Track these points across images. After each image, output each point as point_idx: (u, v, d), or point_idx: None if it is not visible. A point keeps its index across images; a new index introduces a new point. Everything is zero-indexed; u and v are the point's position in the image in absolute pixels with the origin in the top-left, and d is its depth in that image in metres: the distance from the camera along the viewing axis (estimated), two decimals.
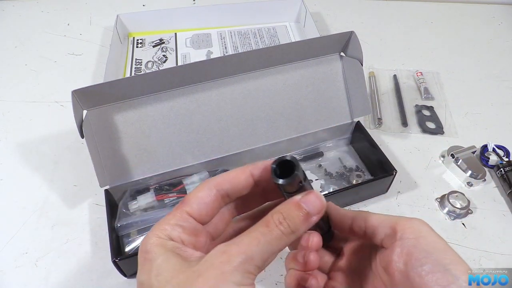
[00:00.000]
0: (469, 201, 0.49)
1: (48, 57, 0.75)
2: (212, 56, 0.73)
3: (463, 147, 0.56)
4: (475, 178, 0.52)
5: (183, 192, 0.47)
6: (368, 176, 0.53)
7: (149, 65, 0.71)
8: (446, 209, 0.49)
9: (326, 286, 0.29)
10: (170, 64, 0.71)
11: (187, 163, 0.49)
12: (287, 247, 0.27)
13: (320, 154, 0.55)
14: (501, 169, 0.53)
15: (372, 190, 0.50)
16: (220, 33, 0.78)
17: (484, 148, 0.56)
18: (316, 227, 0.27)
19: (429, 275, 0.22)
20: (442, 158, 0.57)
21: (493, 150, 0.56)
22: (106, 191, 0.46)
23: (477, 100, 0.66)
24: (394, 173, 0.47)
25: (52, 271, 0.44)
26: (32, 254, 0.46)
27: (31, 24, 0.83)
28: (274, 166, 0.24)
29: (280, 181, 0.23)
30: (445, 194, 0.50)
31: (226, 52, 0.74)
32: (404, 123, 0.61)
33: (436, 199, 0.51)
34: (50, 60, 0.74)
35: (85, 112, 0.44)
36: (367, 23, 0.84)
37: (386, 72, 0.71)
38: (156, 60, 0.72)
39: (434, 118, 0.62)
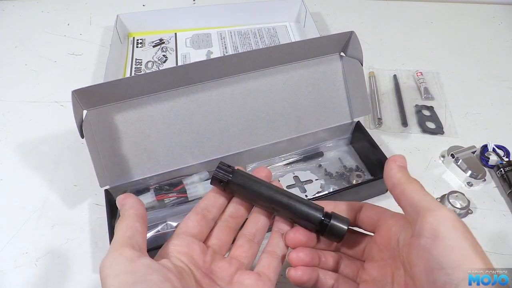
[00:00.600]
0: (469, 201, 0.49)
1: (48, 57, 0.75)
2: (212, 56, 0.73)
3: (463, 147, 0.56)
4: (475, 178, 0.52)
5: (183, 192, 0.47)
6: (368, 176, 0.53)
7: (149, 65, 0.71)
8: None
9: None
10: (170, 64, 0.71)
11: (187, 163, 0.49)
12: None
13: (320, 154, 0.55)
14: (501, 169, 0.53)
15: (372, 190, 0.50)
16: (220, 33, 0.78)
17: (484, 148, 0.56)
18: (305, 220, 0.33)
19: None
20: (442, 158, 0.57)
21: (493, 150, 0.56)
22: (106, 191, 0.46)
23: (477, 100, 0.66)
24: None
25: (52, 271, 0.44)
26: (32, 254, 0.46)
27: (31, 24, 0.83)
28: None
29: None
30: (445, 194, 0.50)
31: (226, 52, 0.74)
32: (404, 123, 0.61)
33: (436, 199, 0.51)
34: (50, 60, 0.74)
35: (85, 112, 0.44)
36: (367, 23, 0.84)
37: (386, 72, 0.71)
38: (156, 60, 0.72)
39: (434, 118, 0.62)
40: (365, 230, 0.34)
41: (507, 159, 0.55)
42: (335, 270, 0.33)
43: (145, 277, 0.24)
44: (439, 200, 0.51)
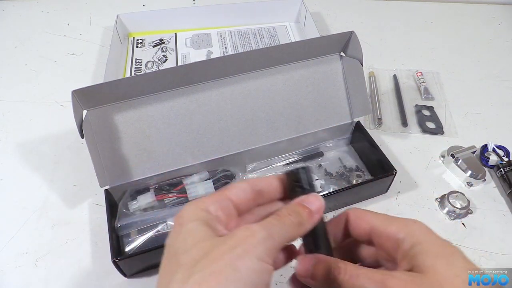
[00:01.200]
0: (469, 201, 0.49)
1: (48, 57, 0.75)
2: (212, 56, 0.73)
3: (463, 147, 0.56)
4: (475, 178, 0.52)
5: (183, 192, 0.47)
6: (368, 176, 0.53)
7: (149, 65, 0.71)
8: (446, 209, 0.49)
9: None
10: (170, 64, 0.71)
11: (187, 163, 0.49)
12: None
13: (320, 154, 0.55)
14: (501, 169, 0.53)
15: (372, 190, 0.50)
16: (220, 33, 0.78)
17: (484, 148, 0.56)
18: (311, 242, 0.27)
19: None
20: (442, 158, 0.57)
21: (493, 150, 0.56)
22: (106, 191, 0.46)
23: (477, 100, 0.66)
24: (394, 173, 0.47)
25: (52, 271, 0.44)
26: (32, 254, 0.46)
27: (31, 24, 0.83)
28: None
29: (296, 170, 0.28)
30: (445, 194, 0.50)
31: (226, 52, 0.74)
32: (404, 123, 0.61)
33: (436, 199, 0.51)
34: (50, 60, 0.74)
35: (85, 112, 0.44)
36: (367, 23, 0.84)
37: (386, 72, 0.71)
38: (156, 60, 0.72)
39: (434, 118, 0.62)
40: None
41: (507, 159, 0.55)
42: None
43: None
44: (439, 200, 0.51)
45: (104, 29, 0.81)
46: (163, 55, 0.73)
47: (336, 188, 0.51)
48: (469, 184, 0.53)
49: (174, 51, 0.74)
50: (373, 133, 0.58)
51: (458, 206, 0.48)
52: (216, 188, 0.48)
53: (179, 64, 0.71)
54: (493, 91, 0.68)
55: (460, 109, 0.64)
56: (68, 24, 0.83)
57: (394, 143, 0.59)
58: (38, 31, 0.81)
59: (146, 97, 0.46)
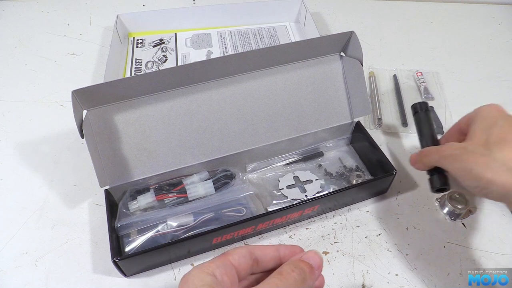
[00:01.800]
0: (469, 201, 0.49)
1: (48, 57, 0.75)
2: (212, 56, 0.73)
3: None
4: None
5: (183, 192, 0.47)
6: (368, 176, 0.53)
7: (149, 65, 0.71)
8: (446, 209, 0.49)
9: None
10: (170, 64, 0.71)
11: (187, 163, 0.49)
12: None
13: (320, 154, 0.55)
14: None
15: (372, 190, 0.51)
16: (220, 33, 0.78)
17: None
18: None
19: None
20: None
21: None
22: (106, 191, 0.46)
23: (477, 100, 0.66)
24: (394, 173, 0.47)
25: (52, 271, 0.44)
26: (32, 254, 0.46)
27: (31, 24, 0.83)
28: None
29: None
30: (445, 194, 0.50)
31: (226, 52, 0.74)
32: (404, 123, 0.61)
33: (437, 199, 0.51)
34: (50, 60, 0.74)
35: (85, 112, 0.44)
36: (367, 23, 0.84)
37: (386, 72, 0.71)
38: (156, 60, 0.72)
39: (434, 118, 0.62)
40: None
41: None
42: None
43: None
44: (439, 200, 0.51)
45: (104, 29, 0.81)
46: (163, 55, 0.73)
47: (336, 188, 0.51)
48: None
49: (174, 51, 0.74)
50: (373, 133, 0.58)
51: (458, 206, 0.48)
52: (216, 189, 0.48)
53: (179, 64, 0.71)
54: (493, 91, 0.68)
55: (460, 109, 0.64)
56: (68, 24, 0.83)
57: (394, 143, 0.59)
58: (38, 31, 0.81)
59: (146, 97, 0.46)
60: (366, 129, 0.54)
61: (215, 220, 0.46)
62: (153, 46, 0.75)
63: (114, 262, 0.39)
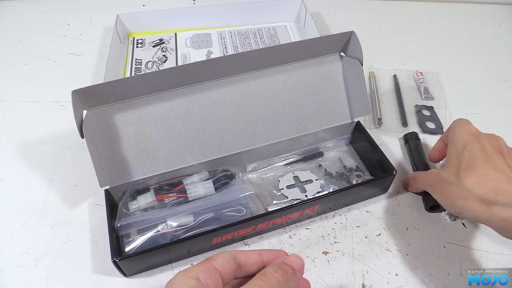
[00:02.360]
0: None
1: (48, 57, 0.75)
2: (212, 56, 0.73)
3: None
4: None
5: (183, 192, 0.47)
6: (368, 176, 0.53)
7: (149, 65, 0.71)
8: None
9: None
10: (170, 64, 0.71)
11: (187, 163, 0.49)
12: None
13: (320, 154, 0.55)
14: None
15: (372, 190, 0.50)
16: (220, 33, 0.78)
17: None
18: None
19: None
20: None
21: None
22: (106, 191, 0.46)
23: (477, 100, 0.66)
24: (394, 173, 0.47)
25: (52, 271, 0.44)
26: (32, 254, 0.46)
27: (31, 24, 0.83)
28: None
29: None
30: None
31: (226, 52, 0.74)
32: (404, 123, 0.61)
33: None
34: (50, 60, 0.74)
35: (85, 112, 0.44)
36: (367, 23, 0.84)
37: (386, 72, 0.71)
38: (156, 60, 0.72)
39: (434, 118, 0.62)
40: None
41: None
42: None
43: None
44: None
45: (104, 29, 0.81)
46: (163, 55, 0.73)
47: (336, 188, 0.51)
48: None
49: (174, 51, 0.74)
50: (373, 133, 0.58)
51: None
52: (216, 188, 0.48)
53: (179, 64, 0.71)
54: (493, 91, 0.68)
55: (460, 109, 0.64)
56: (68, 24, 0.83)
57: (394, 143, 0.59)
58: (38, 31, 0.81)
59: (146, 97, 0.46)
60: (366, 129, 0.54)
61: (215, 220, 0.46)
62: (153, 46, 0.75)
63: (114, 262, 0.39)
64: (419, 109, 0.64)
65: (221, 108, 0.49)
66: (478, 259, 0.45)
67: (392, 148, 0.58)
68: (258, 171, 0.53)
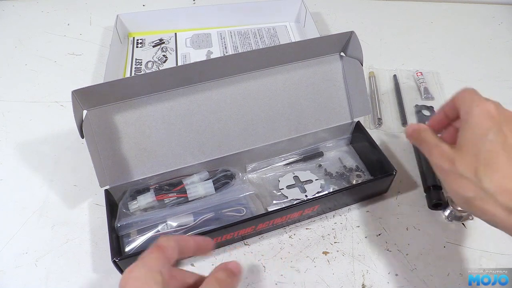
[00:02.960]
0: None
1: (48, 57, 0.75)
2: (212, 56, 0.73)
3: None
4: None
5: (183, 192, 0.47)
6: (368, 176, 0.53)
7: (149, 65, 0.71)
8: (448, 212, 0.49)
9: None
10: (170, 64, 0.71)
11: (187, 163, 0.49)
12: None
13: (320, 154, 0.55)
14: None
15: (372, 190, 0.50)
16: (220, 33, 0.78)
17: None
18: None
19: None
20: None
21: None
22: (106, 191, 0.46)
23: None
24: (394, 173, 0.47)
25: (52, 271, 0.44)
26: (32, 254, 0.46)
27: (31, 24, 0.83)
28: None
29: None
30: (447, 196, 0.50)
31: (226, 52, 0.74)
32: (404, 123, 0.61)
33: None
34: (50, 60, 0.74)
35: (85, 112, 0.44)
36: (367, 23, 0.84)
37: (386, 72, 0.71)
38: (156, 60, 0.72)
39: None
40: None
41: None
42: None
43: None
44: None
45: (104, 29, 0.81)
46: (163, 55, 0.73)
47: (336, 188, 0.51)
48: None
49: (174, 51, 0.74)
50: (373, 133, 0.58)
51: (459, 208, 0.48)
52: (216, 189, 0.48)
53: (179, 64, 0.71)
54: (493, 91, 0.68)
55: None
56: (68, 24, 0.83)
57: (394, 143, 0.59)
58: (38, 31, 0.81)
59: (146, 97, 0.46)
60: (366, 129, 0.54)
61: (215, 220, 0.46)
62: (153, 46, 0.75)
63: (114, 262, 0.39)
64: (419, 109, 0.64)
65: (221, 108, 0.49)
66: (478, 259, 0.45)
67: (392, 148, 0.58)
68: (258, 171, 0.53)
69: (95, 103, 0.44)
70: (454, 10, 0.88)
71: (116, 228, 0.44)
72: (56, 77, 0.70)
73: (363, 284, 0.43)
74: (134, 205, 0.46)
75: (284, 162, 0.54)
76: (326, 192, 0.49)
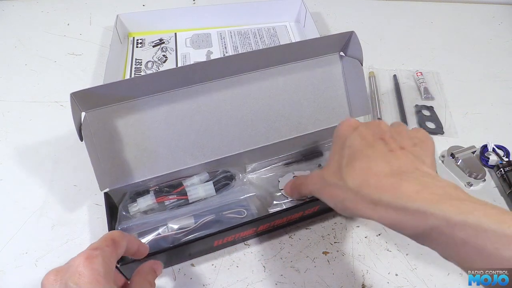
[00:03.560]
0: None
1: (48, 57, 0.75)
2: (212, 56, 0.73)
3: (463, 147, 0.56)
4: (475, 178, 0.52)
5: (184, 194, 0.47)
6: None
7: (149, 65, 0.71)
8: None
9: None
10: (170, 64, 0.71)
11: (188, 164, 0.48)
12: None
13: (320, 154, 0.55)
14: (501, 169, 0.53)
15: None
16: (220, 33, 0.78)
17: (484, 148, 0.56)
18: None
19: None
20: (442, 158, 0.57)
21: (493, 150, 0.56)
22: (106, 194, 0.45)
23: (477, 100, 0.66)
24: None
25: None
26: (32, 254, 0.46)
27: (31, 24, 0.83)
28: None
29: None
30: None
31: (226, 52, 0.74)
32: (404, 123, 0.61)
33: None
34: (50, 60, 0.74)
35: (83, 114, 0.44)
36: (367, 23, 0.84)
37: (386, 72, 0.71)
38: (156, 60, 0.72)
39: (434, 118, 0.62)
40: None
41: (507, 159, 0.55)
42: None
43: None
44: None
45: (104, 29, 0.81)
46: (163, 55, 0.73)
47: None
48: (469, 184, 0.53)
49: (174, 51, 0.74)
50: None
51: None
52: (216, 190, 0.47)
53: (179, 64, 0.71)
54: (493, 91, 0.68)
55: (460, 109, 0.64)
56: (68, 24, 0.83)
57: None
58: (38, 31, 0.81)
59: (145, 98, 0.46)
60: None
61: (216, 222, 0.45)
62: (153, 46, 0.75)
63: (116, 268, 0.39)
64: (419, 109, 0.64)
65: (221, 108, 0.49)
66: None
67: None
68: (258, 171, 0.53)
69: (94, 105, 0.44)
70: (454, 10, 0.88)
71: None
72: (56, 77, 0.70)
73: (363, 284, 0.43)
74: (134, 208, 0.46)
75: (284, 162, 0.54)
76: None
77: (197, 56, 0.73)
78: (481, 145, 0.57)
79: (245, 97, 0.50)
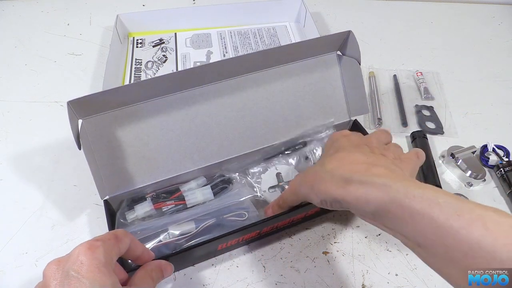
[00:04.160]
0: None
1: (48, 57, 0.75)
2: (212, 56, 0.73)
3: (463, 147, 0.56)
4: (475, 178, 0.52)
5: (181, 199, 0.46)
6: None
7: (149, 65, 0.71)
8: None
9: None
10: (170, 64, 0.71)
11: (187, 169, 0.48)
12: None
13: (303, 144, 0.52)
14: (501, 169, 0.53)
15: None
16: (220, 33, 0.78)
17: (484, 148, 0.56)
18: None
19: None
20: (442, 158, 0.57)
21: (493, 150, 0.56)
22: (106, 201, 0.44)
23: (477, 100, 0.66)
24: None
25: None
26: (32, 254, 0.46)
27: (31, 24, 0.83)
28: None
29: None
30: None
31: (226, 52, 0.74)
32: (404, 123, 0.61)
33: None
34: (50, 60, 0.74)
35: (80, 121, 0.43)
36: (367, 23, 0.84)
37: (386, 72, 0.71)
38: (156, 60, 0.72)
39: (434, 118, 0.62)
40: None
41: (507, 159, 0.55)
42: None
43: None
44: None
45: (104, 29, 0.81)
46: (163, 55, 0.73)
47: None
48: (469, 184, 0.53)
49: (174, 51, 0.74)
50: None
51: None
52: (214, 194, 0.47)
53: (179, 63, 0.71)
54: (493, 91, 0.68)
55: (460, 109, 0.64)
56: (68, 24, 0.83)
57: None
58: (38, 31, 0.81)
59: (143, 104, 0.45)
60: (366, 129, 0.53)
61: (217, 226, 0.44)
62: (153, 46, 0.75)
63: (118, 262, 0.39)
64: (419, 109, 0.64)
65: (220, 111, 0.48)
66: None
67: None
68: (258, 172, 0.53)
69: (91, 112, 0.43)
70: (454, 10, 0.88)
71: None
72: (56, 77, 0.70)
73: (363, 284, 0.43)
74: (131, 215, 0.44)
75: (265, 157, 0.51)
76: None
77: (197, 56, 0.73)
78: (481, 145, 0.57)
79: (244, 100, 0.49)
